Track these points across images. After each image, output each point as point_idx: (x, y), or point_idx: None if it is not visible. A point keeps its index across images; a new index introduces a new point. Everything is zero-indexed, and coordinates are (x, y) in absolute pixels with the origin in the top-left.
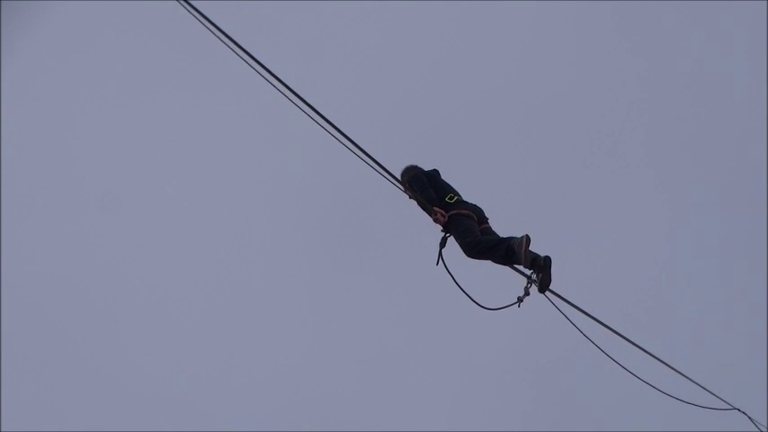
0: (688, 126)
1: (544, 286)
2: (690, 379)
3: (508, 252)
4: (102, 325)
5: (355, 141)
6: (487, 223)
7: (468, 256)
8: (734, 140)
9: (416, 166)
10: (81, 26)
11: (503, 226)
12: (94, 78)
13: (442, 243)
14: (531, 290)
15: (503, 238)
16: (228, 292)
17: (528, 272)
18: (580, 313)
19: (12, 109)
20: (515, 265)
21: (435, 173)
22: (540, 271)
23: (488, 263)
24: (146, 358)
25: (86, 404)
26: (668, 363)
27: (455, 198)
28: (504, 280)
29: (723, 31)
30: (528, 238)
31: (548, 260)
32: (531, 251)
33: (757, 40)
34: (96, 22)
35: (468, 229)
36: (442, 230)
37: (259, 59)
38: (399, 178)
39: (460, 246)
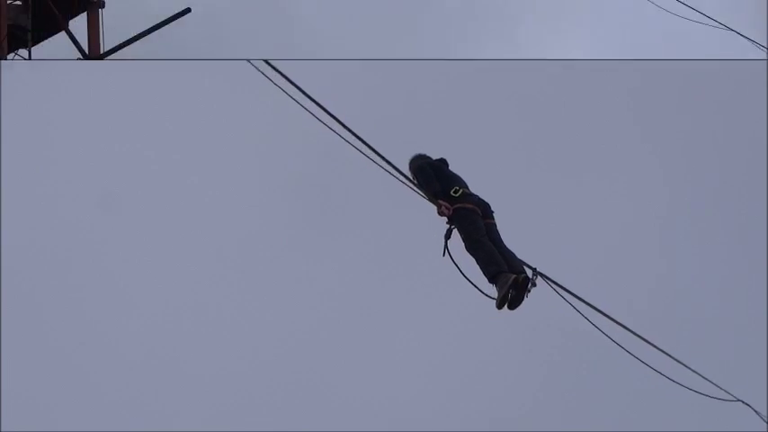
0: (689, 122)
1: (512, 305)
2: (692, 370)
3: (493, 279)
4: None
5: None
6: (492, 218)
7: (468, 250)
8: (734, 132)
9: (423, 156)
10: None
11: (505, 223)
12: (94, 76)
13: (448, 235)
14: (537, 280)
15: (500, 261)
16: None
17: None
18: (578, 301)
19: (12, 109)
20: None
21: (442, 163)
22: (515, 288)
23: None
24: (144, 349)
25: (85, 404)
26: (669, 352)
27: (460, 191)
28: None
29: None
30: (515, 281)
31: (526, 280)
32: (519, 264)
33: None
34: None
35: (473, 225)
36: (447, 222)
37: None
38: (408, 169)
39: (463, 239)
